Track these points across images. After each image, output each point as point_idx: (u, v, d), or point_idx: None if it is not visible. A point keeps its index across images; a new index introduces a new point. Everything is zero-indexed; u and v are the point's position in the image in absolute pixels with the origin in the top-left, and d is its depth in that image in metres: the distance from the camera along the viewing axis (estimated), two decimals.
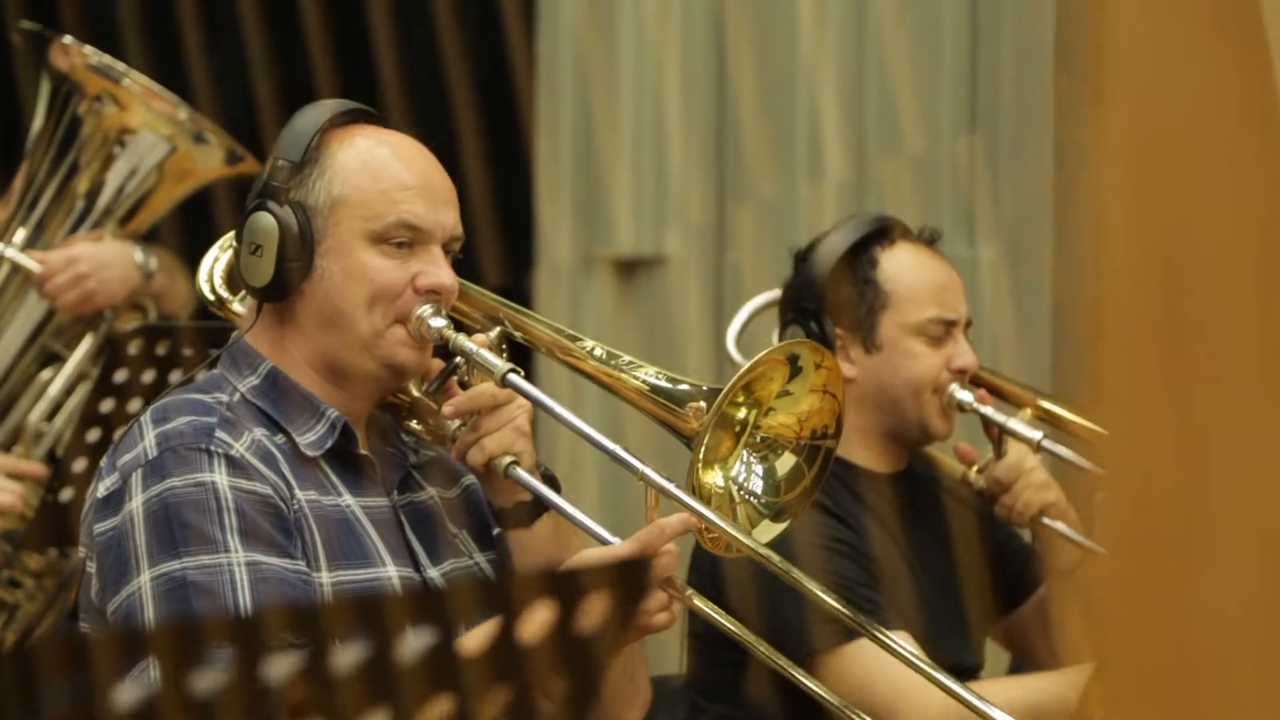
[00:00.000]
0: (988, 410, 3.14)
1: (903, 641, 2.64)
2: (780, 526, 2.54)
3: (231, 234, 2.61)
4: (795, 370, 2.53)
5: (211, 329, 3.12)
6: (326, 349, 2.48)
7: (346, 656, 1.46)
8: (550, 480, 2.53)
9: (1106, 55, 1.18)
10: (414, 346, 2.48)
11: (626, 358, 2.56)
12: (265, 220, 2.46)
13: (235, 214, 2.54)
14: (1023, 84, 4.33)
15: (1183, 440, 1.19)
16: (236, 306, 2.65)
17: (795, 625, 2.90)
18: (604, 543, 2.41)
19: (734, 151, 4.56)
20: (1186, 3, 1.20)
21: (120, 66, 3.45)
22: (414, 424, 2.59)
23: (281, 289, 2.47)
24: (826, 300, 3.11)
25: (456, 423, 2.52)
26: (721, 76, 4.59)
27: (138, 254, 3.48)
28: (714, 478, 2.53)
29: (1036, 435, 3.13)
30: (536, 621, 1.51)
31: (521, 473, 2.48)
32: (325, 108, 2.52)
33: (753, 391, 2.53)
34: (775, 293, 3.29)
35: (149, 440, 2.40)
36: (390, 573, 2.45)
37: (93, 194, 3.49)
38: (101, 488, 2.41)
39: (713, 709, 3.12)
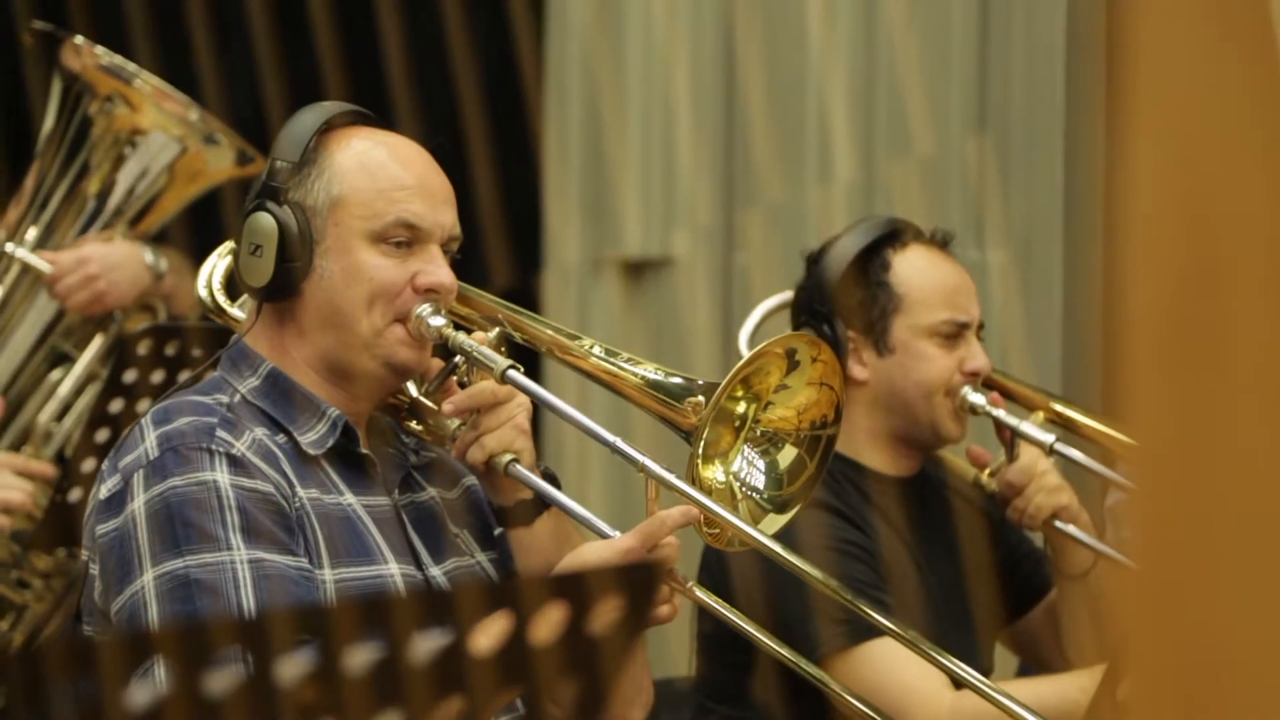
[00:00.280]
0: (1000, 413, 3.13)
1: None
2: (786, 517, 2.54)
3: (230, 242, 2.62)
4: (793, 364, 2.53)
5: (220, 330, 3.11)
6: (326, 349, 2.48)
7: (356, 657, 1.46)
8: (550, 478, 2.53)
9: (1136, 56, 1.17)
10: (413, 345, 2.48)
11: (626, 355, 2.55)
12: (265, 220, 2.47)
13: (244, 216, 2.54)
14: (1033, 86, 4.32)
15: (1211, 447, 1.18)
16: (235, 312, 2.65)
17: (804, 628, 2.90)
18: (605, 537, 2.41)
19: (742, 153, 4.56)
20: (1218, 2, 1.19)
21: (131, 67, 3.45)
22: (414, 424, 2.59)
23: (281, 289, 2.47)
24: (838, 303, 3.11)
25: (456, 422, 2.53)
26: (730, 78, 4.58)
27: (148, 255, 3.48)
28: (714, 472, 2.52)
29: (1049, 439, 3.12)
30: (547, 624, 1.51)
31: (522, 470, 2.49)
32: (323, 109, 2.53)
33: (751, 386, 2.53)
34: (787, 294, 3.28)
35: (150, 441, 2.40)
36: (393, 570, 2.45)
37: (103, 194, 3.49)
38: (103, 489, 2.42)
39: (720, 710, 3.11)
